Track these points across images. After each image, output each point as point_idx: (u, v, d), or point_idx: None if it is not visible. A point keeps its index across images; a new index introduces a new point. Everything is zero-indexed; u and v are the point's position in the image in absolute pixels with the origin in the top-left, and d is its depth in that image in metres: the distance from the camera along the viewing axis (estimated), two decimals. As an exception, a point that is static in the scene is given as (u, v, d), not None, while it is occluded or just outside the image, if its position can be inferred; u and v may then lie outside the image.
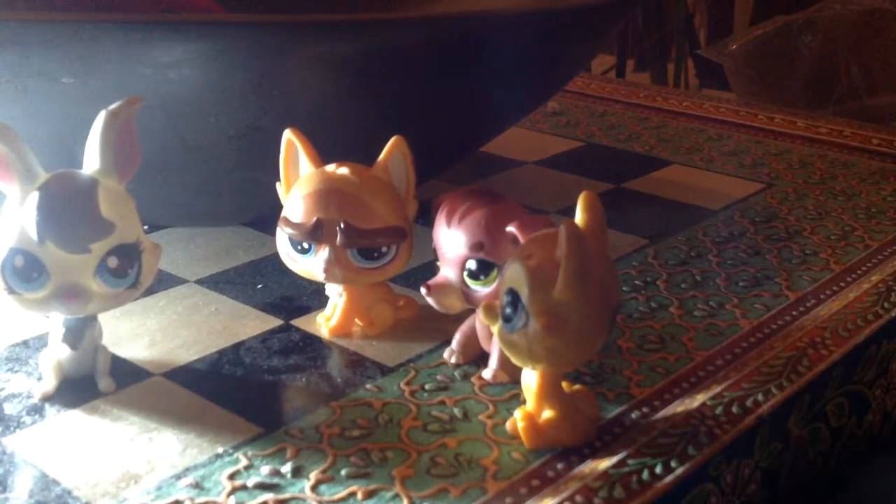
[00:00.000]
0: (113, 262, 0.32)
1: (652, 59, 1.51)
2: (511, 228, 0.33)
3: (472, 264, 0.34)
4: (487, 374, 0.36)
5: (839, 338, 0.39)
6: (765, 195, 0.55)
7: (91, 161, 0.33)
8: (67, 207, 0.32)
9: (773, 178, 0.58)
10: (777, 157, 0.62)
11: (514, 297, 0.30)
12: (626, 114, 0.72)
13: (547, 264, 0.29)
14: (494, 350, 0.35)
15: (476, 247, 0.34)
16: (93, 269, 0.32)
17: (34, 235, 0.31)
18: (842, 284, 0.44)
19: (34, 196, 0.32)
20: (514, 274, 0.30)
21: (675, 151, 0.63)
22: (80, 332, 0.34)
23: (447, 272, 0.35)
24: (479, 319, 0.36)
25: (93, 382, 0.35)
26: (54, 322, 0.34)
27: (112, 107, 0.33)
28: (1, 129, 0.32)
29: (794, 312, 0.41)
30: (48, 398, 0.34)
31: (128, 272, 0.33)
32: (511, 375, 0.34)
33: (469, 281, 0.35)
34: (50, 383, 0.34)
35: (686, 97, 0.77)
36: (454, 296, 0.35)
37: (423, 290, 0.35)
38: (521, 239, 0.32)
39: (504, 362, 0.34)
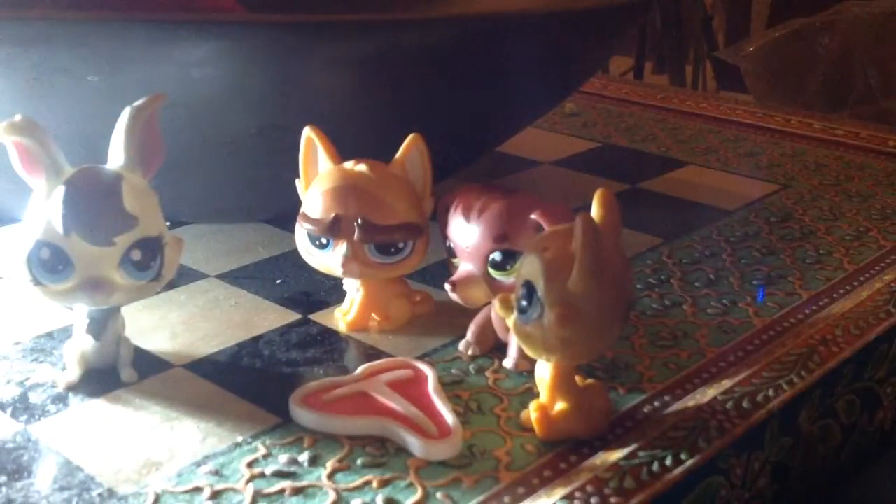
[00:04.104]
0: (136, 254, 0.33)
1: (670, 62, 1.52)
2: (535, 216, 0.33)
3: (496, 255, 0.35)
4: (509, 362, 0.36)
5: (851, 335, 0.39)
6: (780, 196, 0.55)
7: (115, 156, 0.34)
8: (92, 201, 0.33)
9: (788, 179, 0.58)
10: (793, 159, 0.62)
11: (529, 288, 0.30)
12: (644, 115, 0.72)
13: (562, 257, 0.30)
14: (513, 339, 0.36)
15: (500, 238, 0.35)
16: (116, 261, 0.33)
17: (60, 228, 0.32)
18: (855, 284, 0.44)
19: (60, 189, 0.33)
20: (529, 266, 0.30)
21: (692, 152, 0.64)
22: (104, 324, 0.35)
23: (468, 266, 0.36)
24: (494, 311, 0.36)
25: (116, 373, 0.35)
26: (78, 314, 0.35)
27: (136, 103, 0.34)
28: (28, 123, 0.33)
29: (806, 311, 0.41)
30: (72, 388, 0.35)
31: (150, 265, 0.34)
32: (531, 362, 0.35)
33: (494, 272, 0.35)
34: (74, 373, 0.35)
35: (703, 99, 0.77)
36: (479, 289, 0.36)
37: (447, 287, 0.36)
38: (546, 225, 0.33)
39: (524, 350, 0.35)
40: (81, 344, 0.35)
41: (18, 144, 0.33)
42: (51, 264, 0.33)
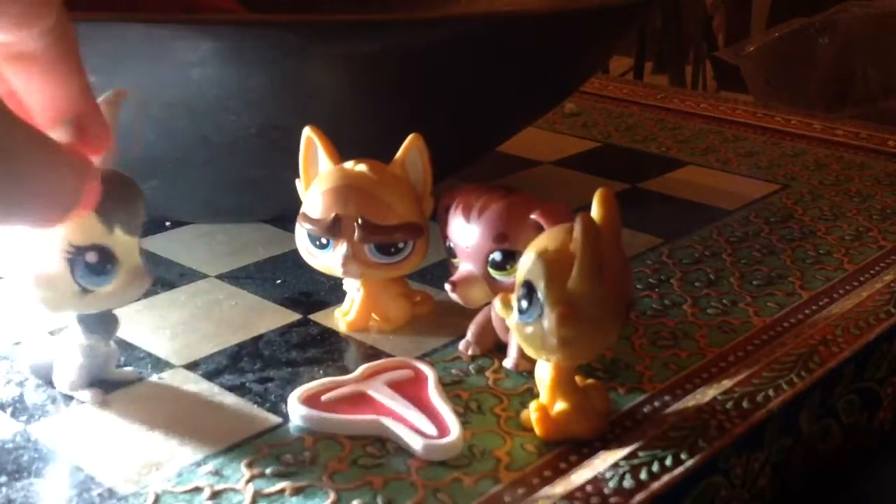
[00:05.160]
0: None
1: (670, 62, 1.52)
2: (535, 216, 0.33)
3: (496, 255, 0.35)
4: (508, 362, 0.36)
5: (850, 335, 0.39)
6: (780, 196, 0.55)
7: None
8: (124, 192, 0.32)
9: (788, 179, 0.58)
10: (793, 159, 0.62)
11: (529, 288, 0.30)
12: (644, 115, 0.72)
13: (562, 257, 0.30)
14: (513, 339, 0.36)
15: (499, 238, 0.35)
16: (139, 245, 0.33)
17: (103, 225, 0.31)
18: (855, 284, 0.44)
19: None
20: (529, 266, 0.30)
21: (692, 152, 0.64)
22: (110, 324, 0.34)
23: (468, 266, 0.36)
24: (495, 311, 0.36)
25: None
26: (76, 317, 0.34)
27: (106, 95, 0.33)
28: None
29: (806, 311, 0.42)
30: (75, 388, 0.34)
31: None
32: (531, 363, 0.35)
33: (494, 272, 0.35)
34: (73, 375, 0.34)
35: (703, 99, 0.77)
36: (479, 289, 0.36)
37: (447, 287, 0.36)
38: (546, 226, 0.33)
39: (524, 350, 0.35)
40: (79, 357, 0.34)
41: None
42: (99, 266, 0.32)
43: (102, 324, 0.34)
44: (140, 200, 0.33)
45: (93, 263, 0.32)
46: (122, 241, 0.32)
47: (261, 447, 0.32)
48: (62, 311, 0.33)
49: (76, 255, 0.31)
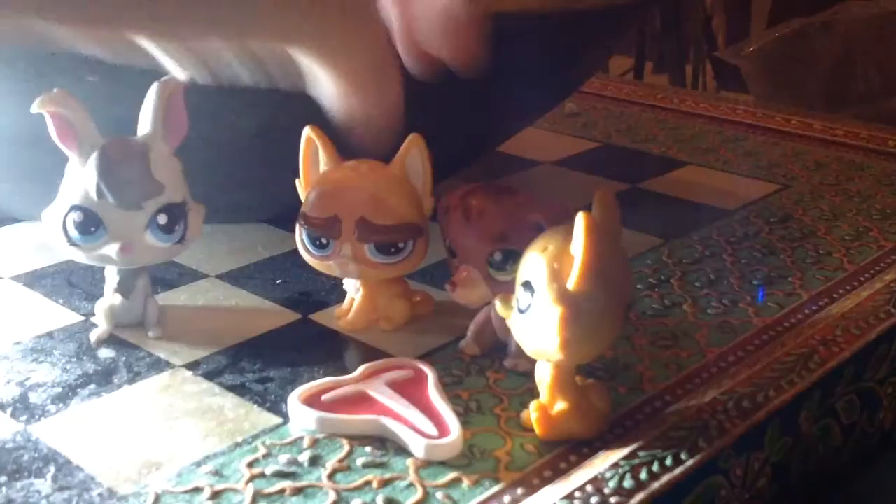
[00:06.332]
0: (162, 218, 0.36)
1: (670, 62, 1.52)
2: (535, 216, 0.33)
3: (496, 255, 0.35)
4: (509, 362, 0.36)
5: (851, 335, 0.39)
6: (780, 196, 0.56)
7: (143, 127, 0.36)
8: (123, 168, 0.35)
9: (788, 179, 0.58)
10: (793, 159, 0.62)
11: (529, 288, 0.30)
12: (644, 115, 0.72)
13: (562, 257, 0.30)
14: (513, 339, 0.36)
15: (500, 238, 0.35)
16: (144, 224, 0.36)
17: (93, 192, 0.35)
18: (855, 284, 0.44)
19: (93, 157, 0.35)
20: (529, 266, 0.31)
21: (692, 152, 0.64)
22: (132, 283, 0.38)
23: (468, 266, 0.36)
24: (495, 311, 0.36)
25: (115, 372, 0.35)
26: (109, 273, 0.38)
27: (164, 79, 0.36)
28: (64, 96, 0.35)
29: (806, 311, 0.42)
30: (102, 342, 0.37)
31: (175, 229, 0.36)
32: (531, 363, 0.35)
33: (495, 272, 0.35)
34: (103, 327, 0.38)
35: (703, 99, 0.77)
36: (479, 289, 0.36)
37: (447, 287, 0.36)
38: (546, 225, 0.33)
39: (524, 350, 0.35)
40: (111, 301, 0.38)
41: (55, 115, 0.35)
42: (84, 226, 0.35)
43: (122, 280, 0.38)
44: (132, 179, 0.35)
45: (77, 222, 0.35)
46: (114, 212, 0.35)
47: (261, 447, 0.32)
48: (60, 251, 0.36)
49: (68, 211, 0.35)
